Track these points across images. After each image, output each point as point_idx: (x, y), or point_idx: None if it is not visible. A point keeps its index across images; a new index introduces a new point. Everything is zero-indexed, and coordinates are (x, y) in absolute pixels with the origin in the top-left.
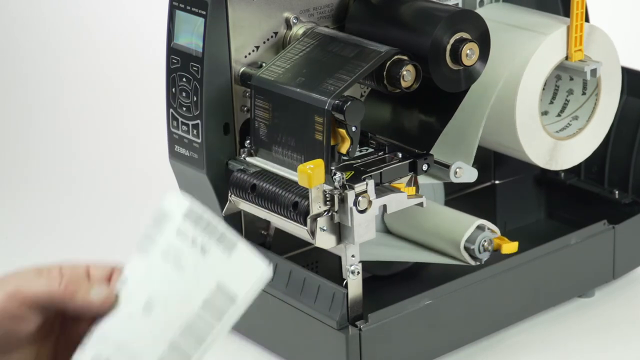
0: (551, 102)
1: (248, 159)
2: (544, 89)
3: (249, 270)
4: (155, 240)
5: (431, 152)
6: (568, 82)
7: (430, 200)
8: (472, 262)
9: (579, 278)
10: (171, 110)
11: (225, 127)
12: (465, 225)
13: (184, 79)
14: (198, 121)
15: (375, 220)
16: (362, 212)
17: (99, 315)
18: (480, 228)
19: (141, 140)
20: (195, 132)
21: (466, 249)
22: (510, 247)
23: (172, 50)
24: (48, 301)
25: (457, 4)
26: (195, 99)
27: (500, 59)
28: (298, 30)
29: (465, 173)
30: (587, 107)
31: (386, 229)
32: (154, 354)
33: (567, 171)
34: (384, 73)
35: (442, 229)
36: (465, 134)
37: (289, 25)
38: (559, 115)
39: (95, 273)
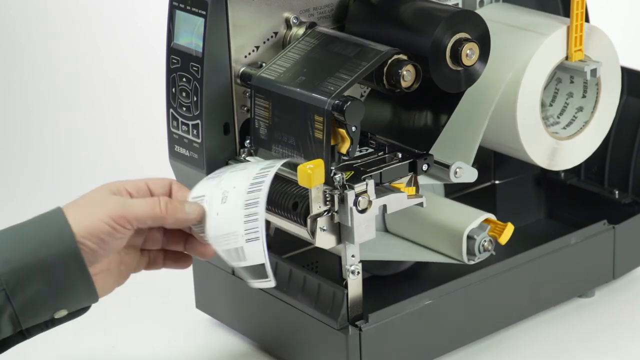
0: (550, 105)
1: (248, 158)
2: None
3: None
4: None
5: (431, 151)
6: (568, 85)
7: (435, 195)
8: (466, 260)
9: (579, 278)
10: (171, 110)
11: (225, 127)
12: (471, 218)
13: (184, 79)
14: (198, 121)
15: (376, 219)
16: (362, 212)
17: (192, 224)
18: (488, 222)
19: (141, 140)
20: (195, 132)
21: (469, 237)
22: (506, 234)
23: (172, 50)
24: (153, 221)
25: (457, 4)
26: (195, 99)
27: (501, 59)
28: (298, 30)
29: (465, 173)
30: (587, 108)
31: (384, 225)
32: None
33: (567, 171)
34: (384, 73)
35: (447, 218)
36: (466, 135)
37: (289, 25)
38: (558, 117)
39: (177, 194)
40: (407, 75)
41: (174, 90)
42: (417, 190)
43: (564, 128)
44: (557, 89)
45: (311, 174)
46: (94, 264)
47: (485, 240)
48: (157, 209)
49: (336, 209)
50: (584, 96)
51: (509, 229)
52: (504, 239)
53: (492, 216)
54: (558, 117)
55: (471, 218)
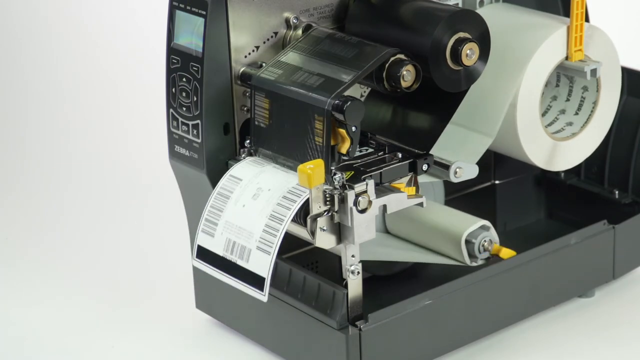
0: (550, 105)
1: (248, 158)
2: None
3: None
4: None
5: (435, 148)
6: (567, 85)
7: (433, 202)
8: (469, 262)
9: (579, 278)
10: (171, 110)
11: (225, 127)
12: (468, 222)
13: (184, 79)
14: (198, 121)
15: (376, 220)
16: (362, 212)
17: None
18: (483, 228)
19: (141, 140)
20: (195, 132)
21: (467, 242)
22: (508, 252)
23: (172, 50)
24: None
25: (457, 4)
26: (195, 99)
27: (501, 60)
28: (298, 30)
29: (465, 172)
30: (585, 109)
31: (386, 228)
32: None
33: (567, 171)
34: (384, 73)
35: (445, 224)
36: (475, 136)
37: (289, 25)
38: (556, 118)
39: None
40: (407, 75)
41: (174, 90)
42: (417, 190)
43: (564, 128)
44: (557, 90)
45: (311, 174)
46: None
47: (485, 241)
48: None
49: (336, 209)
50: (582, 97)
51: (508, 253)
52: (504, 254)
53: (488, 223)
54: (555, 119)
55: (468, 223)
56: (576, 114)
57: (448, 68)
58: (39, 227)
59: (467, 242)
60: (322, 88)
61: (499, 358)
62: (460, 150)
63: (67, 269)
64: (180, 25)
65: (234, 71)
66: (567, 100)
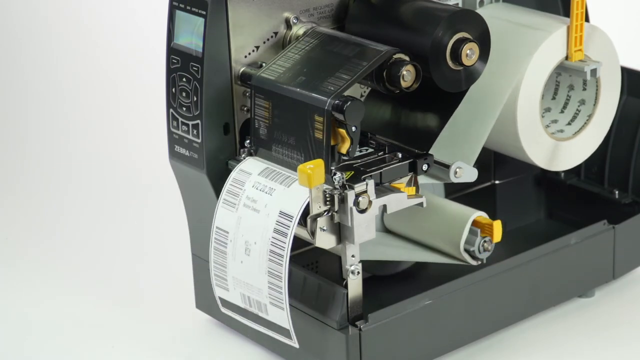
0: (553, 98)
1: (248, 158)
2: (545, 86)
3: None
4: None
5: (433, 151)
6: (568, 77)
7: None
8: (473, 262)
9: (579, 278)
10: (171, 110)
11: (225, 127)
12: (461, 224)
13: (184, 79)
14: (198, 121)
15: (375, 220)
16: (362, 212)
17: None
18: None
19: (141, 140)
20: (195, 132)
21: (466, 250)
22: (497, 231)
23: (172, 50)
24: None
25: (457, 4)
26: (195, 99)
27: (501, 60)
28: (298, 30)
29: (465, 173)
30: (588, 103)
31: (385, 229)
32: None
33: (567, 171)
34: (384, 73)
35: (441, 229)
36: (470, 137)
37: (289, 25)
38: (561, 112)
39: None
40: (407, 75)
41: (174, 90)
42: (417, 190)
43: (568, 124)
44: (558, 84)
45: (311, 174)
46: None
47: (484, 241)
48: None
49: (336, 209)
50: (584, 89)
51: (497, 226)
52: (496, 237)
53: (480, 214)
54: (562, 111)
55: (461, 223)
56: (584, 89)
57: (448, 68)
58: (39, 227)
59: (466, 250)
60: (322, 88)
61: (499, 358)
62: (456, 151)
63: (67, 269)
64: (180, 25)
65: (234, 71)
66: (571, 90)
